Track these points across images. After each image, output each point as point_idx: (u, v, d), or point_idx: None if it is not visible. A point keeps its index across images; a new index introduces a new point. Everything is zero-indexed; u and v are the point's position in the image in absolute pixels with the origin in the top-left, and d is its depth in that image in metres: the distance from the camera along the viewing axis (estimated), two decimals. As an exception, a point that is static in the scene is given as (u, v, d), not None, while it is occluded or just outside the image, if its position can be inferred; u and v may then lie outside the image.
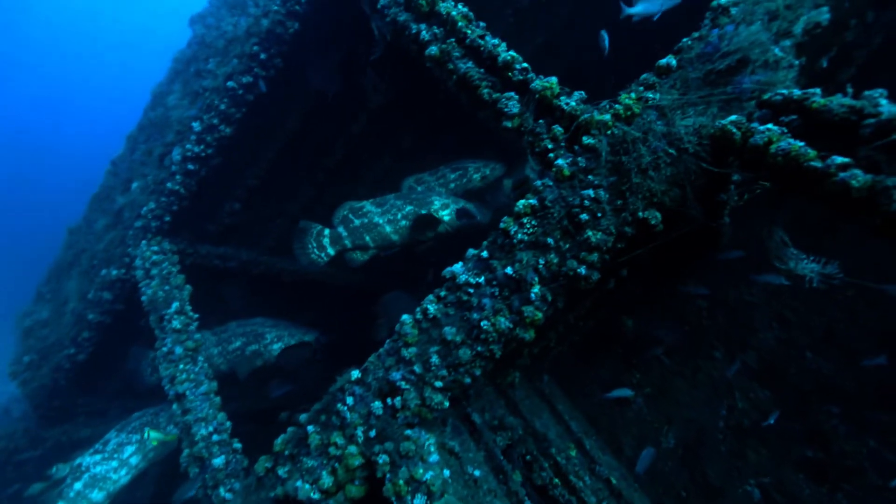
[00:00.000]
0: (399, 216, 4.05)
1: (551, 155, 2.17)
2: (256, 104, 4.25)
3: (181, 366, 3.78)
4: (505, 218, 2.23)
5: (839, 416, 3.89)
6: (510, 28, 5.20)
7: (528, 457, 3.44)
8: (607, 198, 1.98)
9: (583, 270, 1.98)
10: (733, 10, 1.88)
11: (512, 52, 2.37)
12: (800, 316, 4.18)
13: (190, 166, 4.29)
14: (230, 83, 4.02)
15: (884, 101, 1.39)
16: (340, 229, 4.13)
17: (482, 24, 2.69)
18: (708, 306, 4.42)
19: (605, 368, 4.74)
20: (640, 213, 1.92)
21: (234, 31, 4.10)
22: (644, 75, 2.02)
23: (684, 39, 1.96)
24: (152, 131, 4.92)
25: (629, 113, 1.98)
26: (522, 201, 2.17)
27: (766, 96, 1.72)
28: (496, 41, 2.47)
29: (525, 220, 2.15)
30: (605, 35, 3.31)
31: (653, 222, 1.90)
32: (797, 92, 1.59)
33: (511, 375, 3.74)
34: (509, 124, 2.31)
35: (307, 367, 3.41)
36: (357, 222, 4.11)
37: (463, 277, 2.27)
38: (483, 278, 2.24)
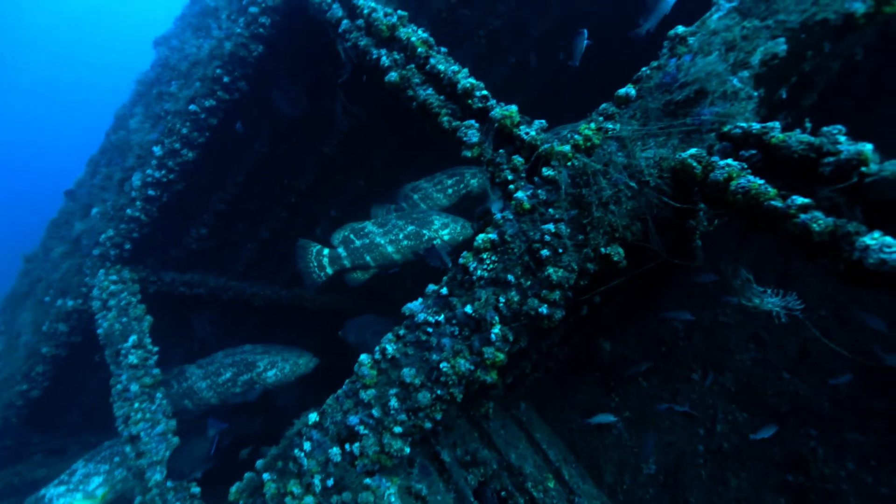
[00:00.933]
0: (401, 236, 4.00)
1: (511, 186, 2.09)
2: (222, 127, 4.12)
3: (136, 404, 3.56)
4: (464, 253, 2.13)
5: (817, 438, 3.84)
6: (482, 49, 5.20)
7: (503, 493, 3.30)
8: (568, 232, 1.90)
9: (544, 310, 1.88)
10: (690, 40, 1.83)
11: (471, 80, 2.30)
12: (774, 336, 4.16)
13: (151, 192, 4.12)
14: (192, 107, 3.89)
15: (842, 139, 1.34)
16: (340, 250, 4.07)
17: (443, 49, 2.62)
18: (684, 328, 4.37)
19: (583, 393, 4.64)
20: (603, 249, 1.83)
21: (198, 54, 3.99)
22: (604, 105, 1.96)
23: (643, 69, 1.91)
24: (114, 155, 4.74)
25: (589, 144, 1.91)
26: (482, 235, 2.08)
27: (725, 128, 1.67)
28: (456, 67, 2.40)
29: (485, 256, 2.05)
30: (584, 33, 3.25)
31: (615, 258, 1.82)
32: (756, 126, 1.53)
33: (485, 406, 3.61)
34: (469, 154, 2.23)
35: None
36: (358, 243, 4.06)
37: (422, 316, 2.15)
38: (443, 316, 2.12)
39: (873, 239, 1.09)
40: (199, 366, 4.63)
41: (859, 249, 1.09)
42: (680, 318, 4.08)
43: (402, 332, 2.24)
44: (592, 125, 1.94)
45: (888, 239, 1.07)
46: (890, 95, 3.70)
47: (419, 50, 2.52)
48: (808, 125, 1.46)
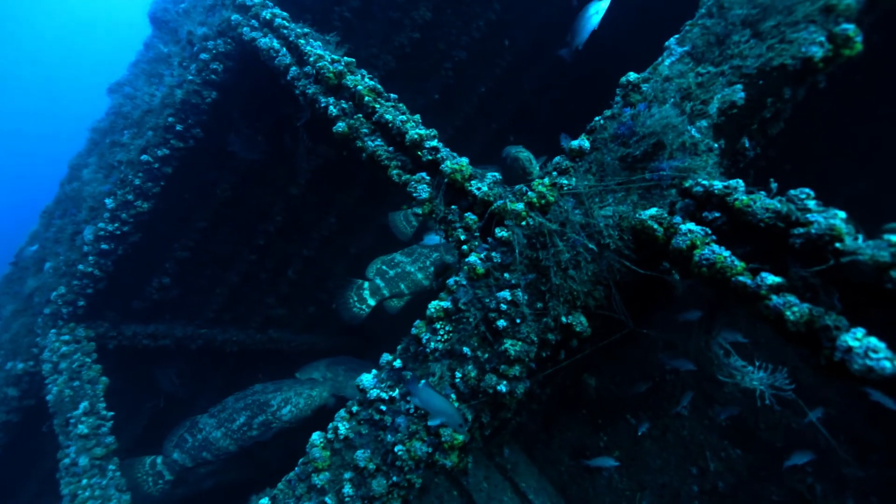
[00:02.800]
0: (427, 263, 4.36)
1: (465, 247, 1.92)
2: (180, 174, 3.94)
3: (85, 480, 3.27)
4: (417, 322, 1.95)
5: (814, 474, 3.65)
6: (450, 81, 5.12)
7: (486, 559, 3.04)
8: (526, 299, 1.73)
9: (503, 388, 1.70)
10: (644, 87, 1.70)
11: (420, 130, 2.15)
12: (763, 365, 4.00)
13: (104, 246, 3.90)
14: (144, 157, 3.71)
15: (811, 204, 1.20)
16: (378, 281, 4.39)
17: (392, 95, 2.49)
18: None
19: (571, 432, 4.42)
20: (564, 318, 1.66)
21: (150, 102, 3.83)
22: (557, 158, 1.81)
23: (596, 118, 1.78)
24: (68, 206, 4.52)
25: (543, 201, 1.76)
26: (435, 303, 1.90)
27: (686, 184, 1.52)
28: (404, 117, 2.25)
29: (438, 326, 1.87)
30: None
31: (578, 329, 1.65)
32: (718, 185, 1.39)
33: (463, 461, 3.38)
34: (420, 211, 2.06)
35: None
36: (391, 273, 4.40)
37: (374, 392, 1.95)
38: (397, 392, 1.93)
39: (856, 340, 0.93)
40: (211, 415, 4.42)
41: (841, 350, 0.93)
42: (682, 368, 3.90)
43: (355, 408, 2.03)
44: (546, 180, 1.79)
45: (873, 341, 0.91)
46: (855, 114, 3.66)
47: (366, 99, 2.38)
48: (774, 186, 1.31)
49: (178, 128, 3.67)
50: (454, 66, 5.04)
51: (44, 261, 4.51)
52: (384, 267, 4.42)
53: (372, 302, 4.37)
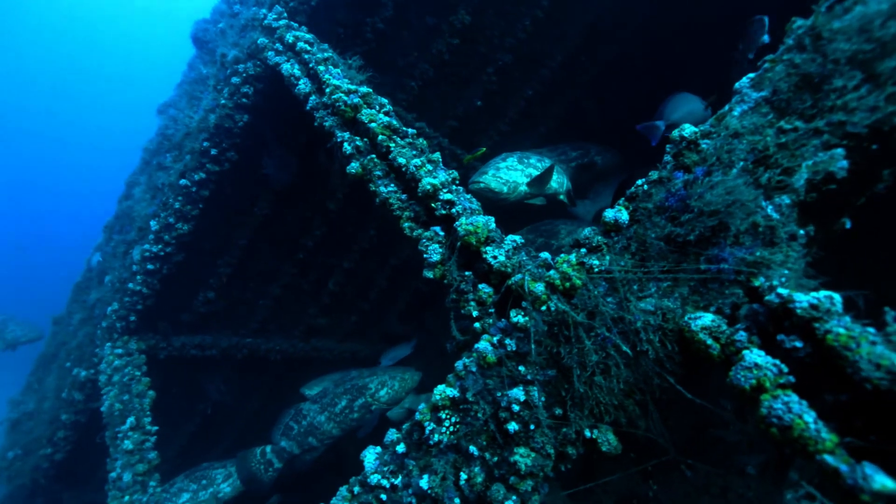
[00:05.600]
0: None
1: (477, 325, 1.65)
2: (218, 194, 3.97)
3: (127, 497, 3.42)
4: (422, 407, 1.72)
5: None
6: (493, 86, 4.76)
7: None
8: (543, 401, 1.44)
9: (511, 503, 1.43)
10: (704, 145, 1.32)
11: (434, 180, 1.89)
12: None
13: (150, 266, 4.03)
14: (183, 181, 3.75)
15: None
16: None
17: (411, 131, 2.24)
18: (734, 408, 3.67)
19: (616, 477, 4.03)
20: (588, 433, 1.36)
21: (189, 125, 3.86)
22: (586, 231, 1.48)
23: (638, 182, 1.42)
24: (125, 222, 4.75)
25: (568, 284, 1.44)
26: (441, 388, 1.66)
27: (756, 282, 1.15)
28: (418, 161, 2.00)
29: (444, 416, 1.63)
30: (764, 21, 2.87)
31: (605, 448, 1.34)
32: (802, 300, 1.01)
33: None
34: (430, 275, 1.82)
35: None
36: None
37: (375, 478, 1.76)
38: (399, 480, 1.72)
39: None
40: (314, 401, 4.66)
41: None
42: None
43: (356, 489, 1.86)
44: (573, 257, 1.47)
45: None
46: None
47: (380, 138, 2.15)
48: (889, 315, 0.92)
49: (213, 152, 3.67)
50: (497, 71, 4.67)
51: (105, 273, 4.79)
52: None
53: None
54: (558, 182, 4.22)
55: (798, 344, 0.99)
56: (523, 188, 3.91)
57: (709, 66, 3.98)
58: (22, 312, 7.36)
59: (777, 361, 1.00)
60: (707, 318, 1.16)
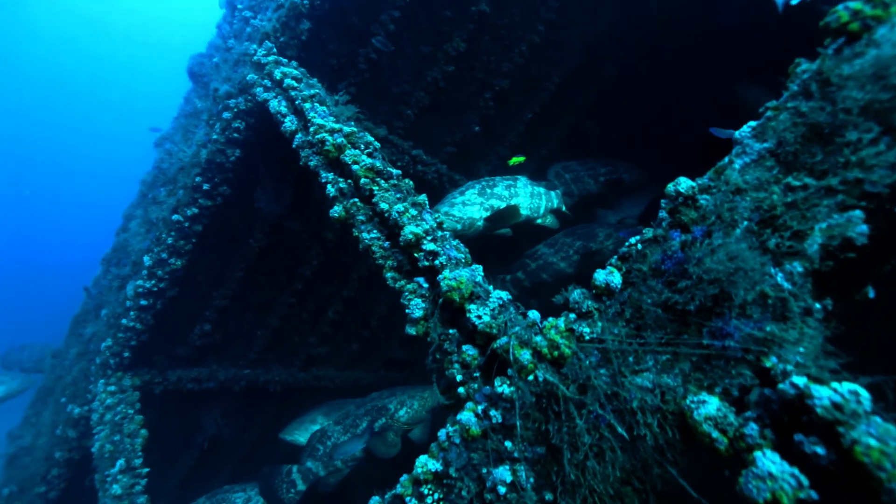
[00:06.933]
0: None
1: (461, 390, 1.52)
2: (212, 228, 3.91)
3: (114, 547, 3.29)
4: (403, 478, 1.58)
5: None
6: (491, 111, 4.69)
7: None
8: (532, 483, 1.29)
9: None
10: (702, 201, 1.19)
11: (416, 229, 1.78)
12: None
13: (143, 301, 3.96)
14: (175, 216, 3.70)
15: None
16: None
17: (395, 171, 2.14)
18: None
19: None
20: (581, 524, 1.20)
21: (182, 160, 3.82)
22: (576, 293, 1.34)
23: (630, 241, 1.29)
24: (121, 255, 4.71)
25: (556, 353, 1.31)
26: (423, 460, 1.52)
27: (767, 363, 1.01)
28: (401, 207, 1.89)
29: (426, 491, 1.48)
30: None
31: (600, 543, 1.18)
32: (823, 396, 0.87)
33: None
34: (413, 331, 1.69)
35: None
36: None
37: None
38: (381, 559, 1.57)
39: None
40: (337, 422, 4.66)
41: None
42: None
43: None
44: (562, 322, 1.34)
45: None
46: None
47: (362, 181, 2.05)
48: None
49: (206, 187, 3.61)
50: (494, 96, 4.60)
51: (101, 307, 4.74)
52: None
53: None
54: (531, 208, 3.90)
55: (819, 451, 0.85)
56: (480, 223, 3.63)
57: (710, 83, 3.86)
58: (20, 340, 7.37)
59: (795, 471, 0.85)
60: (712, 406, 1.02)
